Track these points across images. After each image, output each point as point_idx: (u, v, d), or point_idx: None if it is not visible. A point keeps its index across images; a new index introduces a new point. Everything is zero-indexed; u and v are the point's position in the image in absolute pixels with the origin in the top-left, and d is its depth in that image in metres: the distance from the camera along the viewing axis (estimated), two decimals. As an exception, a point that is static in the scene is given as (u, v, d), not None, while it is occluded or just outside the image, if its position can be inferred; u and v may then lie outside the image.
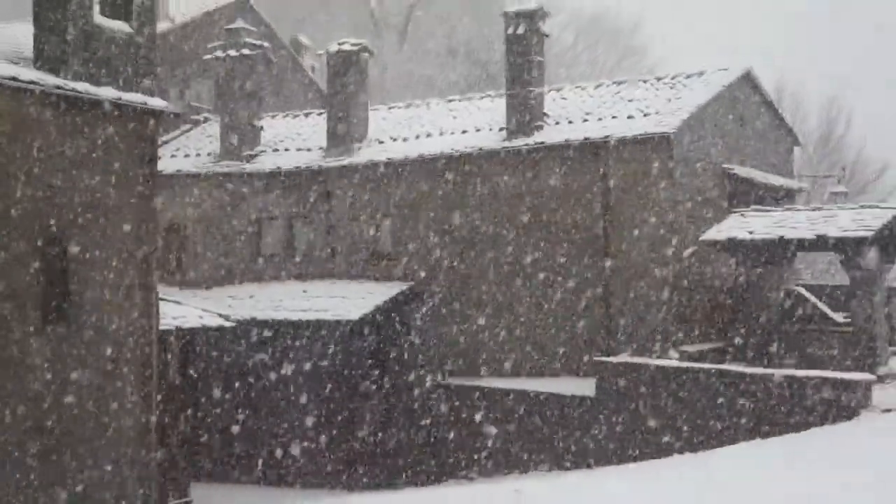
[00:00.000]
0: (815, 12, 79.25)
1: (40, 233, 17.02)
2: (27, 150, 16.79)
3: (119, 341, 18.32)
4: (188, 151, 32.86)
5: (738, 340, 24.22)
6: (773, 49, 59.25)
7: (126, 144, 18.47)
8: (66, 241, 17.49)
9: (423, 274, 28.09)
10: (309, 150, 30.90)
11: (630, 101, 27.53)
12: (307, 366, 27.01)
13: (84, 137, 17.75)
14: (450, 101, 32.80)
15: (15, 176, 16.58)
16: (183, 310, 22.31)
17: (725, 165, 27.22)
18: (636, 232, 25.27)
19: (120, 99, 18.15)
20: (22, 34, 19.07)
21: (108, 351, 18.11)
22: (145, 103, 18.60)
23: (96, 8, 18.40)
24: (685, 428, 20.95)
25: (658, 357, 23.82)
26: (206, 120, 34.99)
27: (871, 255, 23.01)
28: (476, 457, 25.33)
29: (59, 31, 17.92)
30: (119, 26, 18.81)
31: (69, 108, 17.49)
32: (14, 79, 16.44)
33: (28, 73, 17.03)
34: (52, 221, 17.22)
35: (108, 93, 18.01)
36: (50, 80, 17.25)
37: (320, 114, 32.99)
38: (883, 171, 54.79)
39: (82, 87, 17.64)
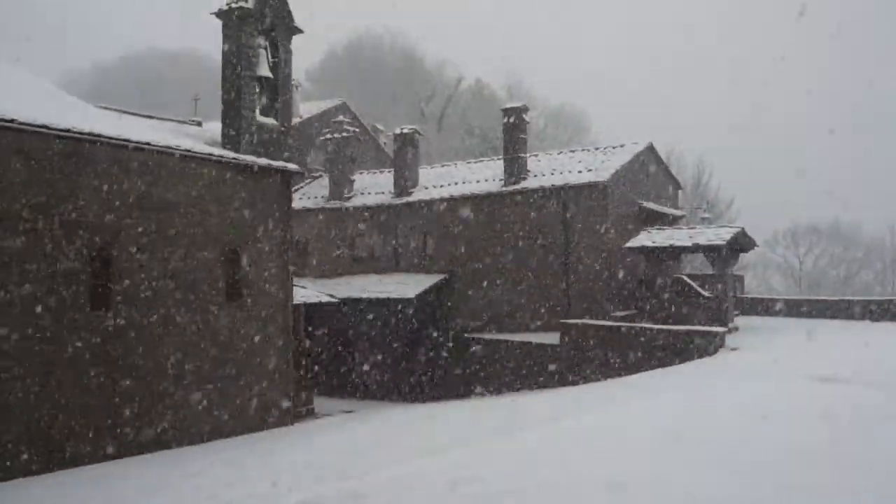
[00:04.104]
0: (691, 105, 79.26)
1: (223, 246, 17.43)
2: (217, 197, 17.24)
3: (269, 310, 18.60)
4: (309, 195, 33.10)
5: (646, 308, 24.35)
6: (664, 127, 59.95)
7: (273, 192, 18.80)
8: (239, 250, 17.87)
9: (453, 269, 28.11)
10: (383, 193, 30.86)
11: (579, 161, 27.44)
12: (382, 325, 27.18)
13: (249, 188, 18.12)
14: (468, 162, 32.78)
15: (209, 212, 17.06)
16: (306, 291, 22.55)
17: (638, 201, 27.14)
18: (584, 242, 25.24)
19: (270, 165, 18.54)
20: (216, 128, 19.63)
21: (263, 316, 18.42)
22: (285, 167, 18.96)
23: (258, 111, 18.99)
24: (612, 362, 21.07)
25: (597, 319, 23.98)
26: (320, 176, 35.20)
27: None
28: (486, 382, 25.31)
29: (235, 125, 18.48)
30: (270, 121, 19.33)
31: (241, 171, 17.89)
32: (210, 154, 17.02)
33: (218, 151, 17.59)
34: (231, 239, 17.62)
35: (263, 161, 18.43)
36: (230, 154, 17.79)
37: (389, 171, 32.95)
38: (731, 204, 55.51)
39: (249, 158, 18.10)
